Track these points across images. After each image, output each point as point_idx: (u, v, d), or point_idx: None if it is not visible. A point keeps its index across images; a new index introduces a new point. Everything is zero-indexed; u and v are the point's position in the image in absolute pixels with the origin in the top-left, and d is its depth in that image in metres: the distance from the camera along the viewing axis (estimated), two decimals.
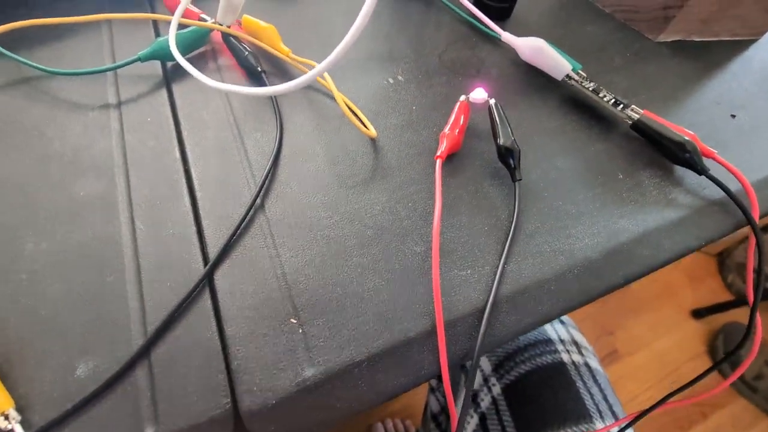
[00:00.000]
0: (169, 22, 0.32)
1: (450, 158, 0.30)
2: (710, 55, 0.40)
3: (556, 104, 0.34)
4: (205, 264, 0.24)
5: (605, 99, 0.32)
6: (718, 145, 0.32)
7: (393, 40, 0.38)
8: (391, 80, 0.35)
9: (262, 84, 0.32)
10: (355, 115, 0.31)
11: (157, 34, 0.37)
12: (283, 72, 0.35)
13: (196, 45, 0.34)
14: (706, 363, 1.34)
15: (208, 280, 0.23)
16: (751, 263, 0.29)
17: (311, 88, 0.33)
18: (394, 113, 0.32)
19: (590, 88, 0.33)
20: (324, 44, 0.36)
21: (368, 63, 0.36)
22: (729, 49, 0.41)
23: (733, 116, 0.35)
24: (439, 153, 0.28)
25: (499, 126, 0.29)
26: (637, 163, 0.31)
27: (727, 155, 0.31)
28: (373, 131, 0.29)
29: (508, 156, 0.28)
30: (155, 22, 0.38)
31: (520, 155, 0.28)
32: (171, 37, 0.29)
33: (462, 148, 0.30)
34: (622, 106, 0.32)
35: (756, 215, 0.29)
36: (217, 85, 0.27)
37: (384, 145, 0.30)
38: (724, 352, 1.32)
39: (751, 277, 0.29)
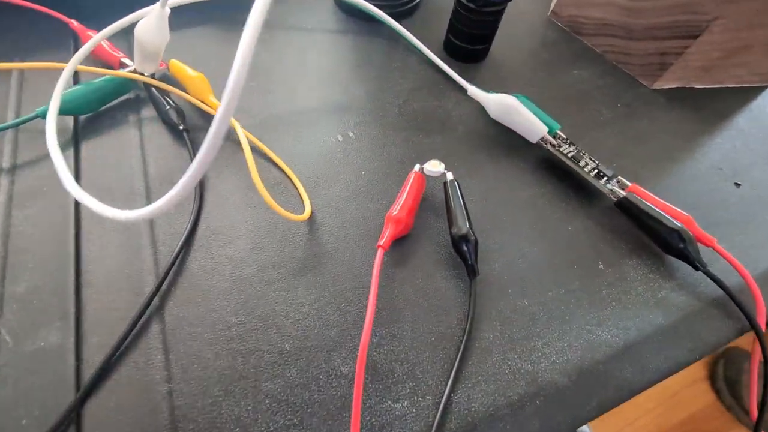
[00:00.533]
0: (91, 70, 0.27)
1: (398, 243, 0.25)
2: (713, 106, 0.35)
3: (529, 169, 0.29)
4: (77, 389, 0.19)
5: (586, 168, 0.27)
6: (719, 225, 0.27)
7: (349, 85, 0.33)
8: (340, 137, 0.30)
9: (183, 143, 0.27)
10: (292, 182, 0.26)
11: (77, 83, 0.33)
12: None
13: (118, 92, 0.30)
14: (706, 389, 1.29)
15: (76, 414, 0.19)
16: (756, 381, 0.24)
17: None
18: (338, 180, 0.28)
19: (569, 154, 0.28)
20: (265, 94, 0.32)
21: (316, 115, 0.31)
22: (734, 99, 0.36)
23: (738, 185, 0.30)
24: (381, 241, 0.23)
25: (455, 210, 0.24)
26: (621, 248, 0.26)
27: (729, 239, 0.26)
28: (306, 211, 0.25)
29: (463, 247, 0.23)
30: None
31: (477, 246, 0.23)
32: (55, 95, 0.24)
33: (414, 227, 0.26)
34: (605, 178, 0.27)
35: (762, 320, 0.24)
36: (77, 195, 0.20)
37: (321, 224, 0.26)
38: (725, 378, 1.27)
39: (755, 395, 0.24)
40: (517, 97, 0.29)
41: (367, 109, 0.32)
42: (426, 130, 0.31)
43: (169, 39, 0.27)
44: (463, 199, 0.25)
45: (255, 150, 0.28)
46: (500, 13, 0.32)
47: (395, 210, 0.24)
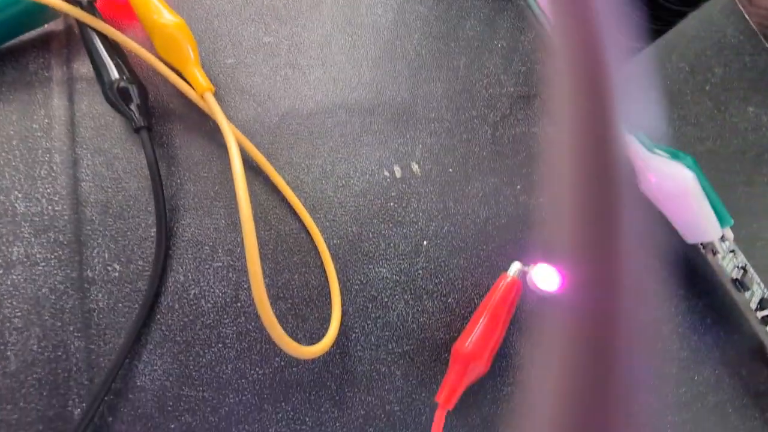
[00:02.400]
0: None
1: (472, 392, 0.16)
2: None
3: (661, 278, 0.20)
4: None
5: (752, 302, 0.19)
6: None
7: (421, 79, 0.21)
8: (397, 171, 0.20)
9: (138, 144, 0.16)
10: (315, 246, 0.16)
11: None
12: (193, 121, 0.18)
13: (32, 21, 0.17)
14: None
15: None
16: None
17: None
18: (384, 254, 0.18)
19: (734, 275, 0.19)
20: (286, 82, 0.19)
21: (360, 126, 0.19)
22: None
23: None
24: (441, 394, 0.15)
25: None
26: (755, 420, 0.19)
27: None
28: (330, 334, 0.15)
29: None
30: None
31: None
32: None
33: (492, 371, 0.17)
34: None
35: None
36: None
37: (349, 329, 0.17)
38: None
39: None
40: (686, 163, 0.19)
41: (448, 122, 0.20)
42: (530, 178, 0.20)
43: None
44: None
45: (258, 173, 0.17)
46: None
47: (470, 342, 0.16)
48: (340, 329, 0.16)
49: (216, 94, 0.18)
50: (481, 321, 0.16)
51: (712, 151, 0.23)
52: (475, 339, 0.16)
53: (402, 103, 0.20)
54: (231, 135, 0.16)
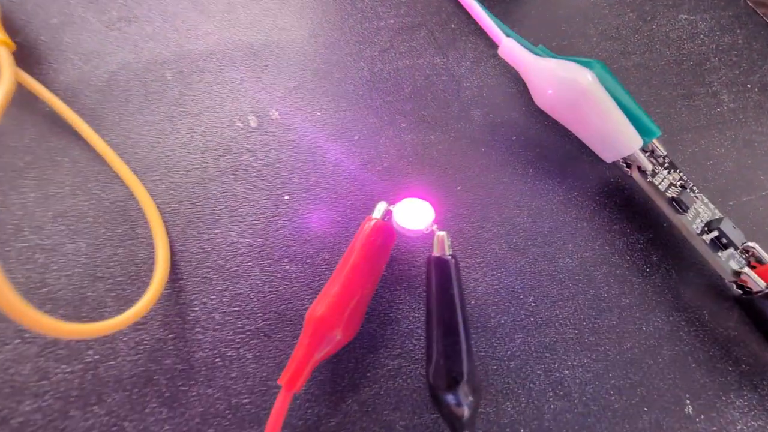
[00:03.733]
0: None
1: (335, 361, 0.13)
2: None
3: (587, 208, 0.17)
4: None
5: (695, 224, 0.15)
6: None
7: (279, 14, 0.18)
8: (252, 120, 0.17)
9: None
10: (143, 210, 0.13)
11: None
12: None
13: None
14: None
15: None
16: None
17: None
18: (234, 215, 0.15)
19: (670, 194, 0.15)
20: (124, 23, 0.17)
21: (211, 67, 0.16)
22: None
23: None
24: (286, 375, 0.12)
25: (448, 324, 0.12)
26: (728, 374, 0.15)
27: None
28: (145, 299, 0.12)
29: (450, 405, 0.12)
30: None
31: (478, 402, 0.12)
32: None
33: (363, 329, 0.14)
34: (730, 249, 0.15)
35: None
36: None
37: (186, 309, 0.13)
38: None
39: None
40: (590, 67, 0.15)
41: (311, 65, 0.18)
42: (415, 115, 0.18)
43: None
44: (461, 295, 0.13)
45: (80, 138, 0.14)
46: None
47: (323, 305, 0.12)
48: (174, 314, 0.13)
49: (32, 55, 0.16)
50: (336, 278, 0.13)
51: (640, 65, 0.20)
52: (329, 300, 0.12)
53: (258, 47, 0.18)
54: (10, 75, 0.13)
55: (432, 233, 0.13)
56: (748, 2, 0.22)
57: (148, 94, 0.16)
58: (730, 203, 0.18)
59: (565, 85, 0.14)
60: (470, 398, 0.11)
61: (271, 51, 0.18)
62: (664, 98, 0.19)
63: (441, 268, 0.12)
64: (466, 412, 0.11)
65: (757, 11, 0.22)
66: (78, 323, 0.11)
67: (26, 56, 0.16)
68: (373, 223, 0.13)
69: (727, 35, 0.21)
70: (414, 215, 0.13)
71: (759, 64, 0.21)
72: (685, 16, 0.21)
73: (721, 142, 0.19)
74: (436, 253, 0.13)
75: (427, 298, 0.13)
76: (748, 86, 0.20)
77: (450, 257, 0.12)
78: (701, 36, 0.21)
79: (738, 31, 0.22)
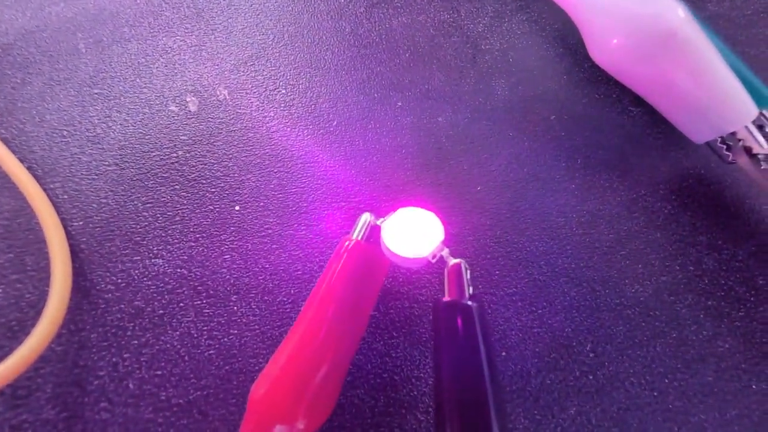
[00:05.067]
0: None
1: None
2: None
3: (667, 213, 0.12)
4: None
5: None
6: None
7: None
8: (192, 102, 0.12)
9: None
10: (40, 223, 0.10)
11: None
12: None
13: None
14: None
15: None
16: None
17: None
18: (158, 240, 0.10)
19: None
20: None
21: (141, 51, 0.12)
22: None
23: None
24: None
25: (455, 402, 0.07)
26: None
27: None
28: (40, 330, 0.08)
29: None
30: None
31: None
32: None
33: (344, 404, 0.09)
34: None
35: None
36: None
37: (84, 407, 0.09)
38: None
39: None
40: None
41: (277, 29, 0.13)
42: (416, 90, 0.13)
43: None
44: (488, 353, 0.08)
45: None
46: None
47: (268, 381, 0.08)
48: (70, 376, 0.09)
49: None
50: (294, 333, 0.08)
51: (721, 15, 0.15)
52: (277, 374, 0.08)
53: (203, 5, 0.13)
54: None
55: (441, 261, 0.08)
56: None
57: (53, 72, 0.12)
58: None
59: (644, 25, 0.09)
60: None
61: (220, 10, 0.13)
62: (755, 57, 0.14)
63: (458, 317, 0.08)
64: None
65: None
66: None
67: None
68: (351, 245, 0.09)
69: None
70: (413, 234, 0.08)
71: None
72: None
73: None
74: (449, 295, 0.08)
75: (435, 357, 0.08)
76: None
77: (471, 302, 0.08)
78: None
79: None
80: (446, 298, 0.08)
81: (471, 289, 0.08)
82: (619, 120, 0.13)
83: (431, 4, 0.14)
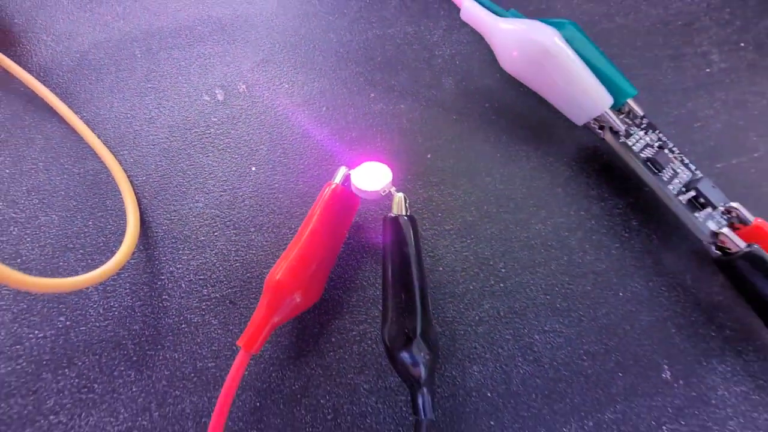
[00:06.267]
0: None
1: (288, 327, 0.14)
2: None
3: (565, 172, 0.16)
4: None
5: (672, 185, 0.14)
6: None
7: (248, 0, 0.19)
8: (219, 93, 0.17)
9: None
10: (117, 184, 0.14)
11: None
12: None
13: None
14: None
15: None
16: None
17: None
18: (202, 186, 0.15)
19: (644, 153, 0.15)
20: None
21: (179, 42, 0.17)
22: None
23: None
24: (244, 337, 0.12)
25: (400, 283, 0.12)
26: (709, 340, 0.15)
27: None
28: (109, 264, 0.12)
29: (405, 363, 0.12)
30: None
31: (435, 360, 0.12)
32: None
33: (327, 295, 0.14)
34: (709, 208, 0.14)
35: None
36: None
37: (155, 278, 0.14)
38: None
39: None
40: (560, 28, 0.15)
41: (280, 37, 0.18)
42: (384, 85, 0.17)
43: None
44: (419, 254, 0.13)
45: (53, 115, 0.15)
46: None
47: (282, 269, 0.12)
48: (143, 283, 0.14)
49: (10, 38, 0.16)
50: (295, 243, 0.13)
51: (624, 26, 0.19)
52: (287, 264, 0.12)
53: (226, 22, 0.18)
54: None
55: (390, 195, 0.13)
56: None
57: (118, 72, 0.16)
58: (718, 165, 0.17)
59: (529, 45, 0.13)
60: (426, 356, 0.11)
61: (239, 25, 0.18)
62: (648, 60, 0.18)
63: (395, 227, 0.12)
64: (422, 370, 0.11)
65: None
66: (52, 278, 0.11)
67: (1, 38, 0.16)
68: (332, 187, 0.13)
69: None
70: (371, 177, 0.13)
71: (754, 21, 0.20)
72: None
73: (710, 103, 0.18)
74: (392, 214, 0.12)
75: (383, 258, 0.13)
76: (742, 45, 0.19)
77: (405, 217, 0.12)
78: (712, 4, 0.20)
79: None
80: (390, 215, 0.12)
81: (407, 212, 0.12)
82: (535, 108, 0.17)
83: (398, 19, 0.18)
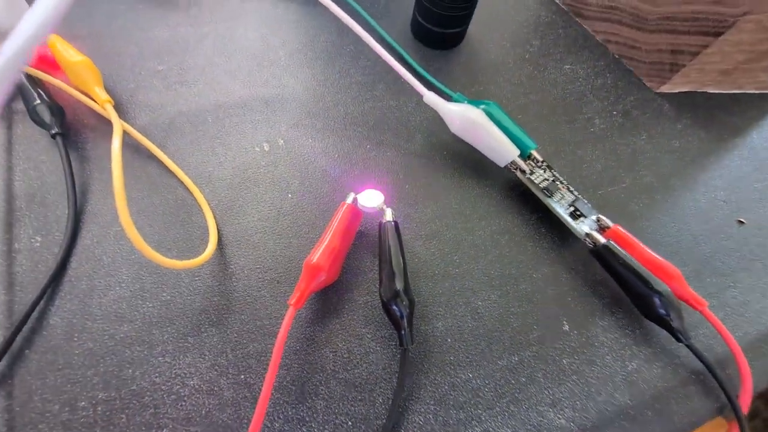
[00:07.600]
0: None
1: (321, 295, 0.20)
2: (726, 119, 0.30)
3: (496, 197, 0.24)
4: None
5: (561, 203, 0.22)
6: (714, 274, 0.23)
7: (285, 75, 0.27)
8: (266, 146, 0.25)
9: (56, 150, 0.21)
10: (199, 206, 0.21)
11: None
12: (101, 130, 0.24)
13: None
14: None
15: None
16: None
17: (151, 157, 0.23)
18: (257, 205, 0.22)
19: (542, 184, 0.23)
20: (175, 83, 0.25)
21: (239, 113, 0.25)
22: (754, 107, 0.31)
23: (741, 222, 0.26)
24: (293, 298, 0.19)
25: (388, 263, 0.19)
26: (593, 304, 0.22)
27: (721, 295, 0.22)
28: (206, 252, 0.19)
29: (393, 309, 0.19)
30: None
31: (413, 307, 0.19)
32: None
33: (344, 273, 0.21)
34: (582, 218, 0.22)
35: (745, 401, 0.20)
36: None
37: (228, 265, 0.21)
38: None
39: None
40: (487, 107, 0.23)
41: (306, 108, 0.26)
42: (376, 140, 0.25)
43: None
44: (401, 246, 0.20)
45: (153, 159, 0.22)
46: None
47: (315, 256, 0.19)
48: (219, 270, 0.20)
49: (119, 108, 0.24)
50: (327, 238, 0.20)
51: (536, 101, 0.28)
52: (319, 253, 0.19)
53: (269, 98, 0.26)
54: (119, 126, 0.20)
55: (383, 210, 0.20)
56: (614, 54, 0.31)
57: (196, 132, 0.24)
58: (599, 192, 0.25)
59: (465, 119, 0.22)
60: (406, 306, 0.18)
61: (278, 100, 0.26)
62: (552, 123, 0.27)
63: (385, 228, 0.20)
64: (404, 314, 0.18)
65: (620, 58, 0.31)
66: (177, 260, 0.18)
67: (115, 110, 0.24)
68: (345, 206, 0.20)
69: (599, 78, 0.30)
70: (370, 199, 0.20)
71: (622, 97, 0.30)
72: (569, 66, 0.30)
73: (593, 151, 0.27)
74: (384, 220, 0.20)
75: (379, 248, 0.20)
76: (614, 113, 0.29)
77: (392, 222, 0.20)
78: (580, 80, 0.30)
79: (607, 75, 0.30)
80: (382, 221, 0.19)
81: (393, 219, 0.20)
82: (473, 154, 0.25)
83: (385, 96, 0.27)
